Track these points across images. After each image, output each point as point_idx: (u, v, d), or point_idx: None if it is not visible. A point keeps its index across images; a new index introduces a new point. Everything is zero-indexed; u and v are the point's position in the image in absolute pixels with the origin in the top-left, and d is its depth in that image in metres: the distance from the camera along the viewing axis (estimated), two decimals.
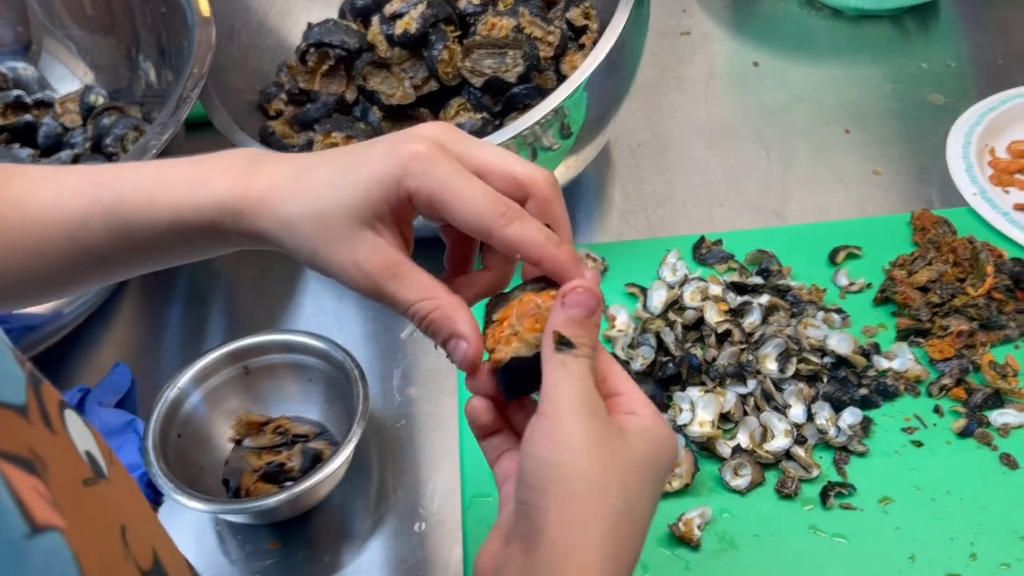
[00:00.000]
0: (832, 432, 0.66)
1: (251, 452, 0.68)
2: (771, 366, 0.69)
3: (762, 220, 0.84)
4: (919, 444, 0.67)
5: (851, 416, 0.67)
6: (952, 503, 0.63)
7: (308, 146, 0.78)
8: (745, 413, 0.68)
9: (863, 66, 0.98)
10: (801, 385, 0.69)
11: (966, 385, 0.69)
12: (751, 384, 0.69)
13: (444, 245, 0.48)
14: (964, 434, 0.67)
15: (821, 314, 0.73)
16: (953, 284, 0.74)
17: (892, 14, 1.03)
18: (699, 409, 0.67)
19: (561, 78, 0.77)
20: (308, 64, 0.81)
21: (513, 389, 0.43)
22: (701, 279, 0.76)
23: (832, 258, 0.78)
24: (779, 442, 0.66)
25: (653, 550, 0.62)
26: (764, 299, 0.73)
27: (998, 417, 0.67)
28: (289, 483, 0.63)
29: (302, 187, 0.43)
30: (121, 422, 0.69)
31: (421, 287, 0.43)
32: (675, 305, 0.75)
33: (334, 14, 0.87)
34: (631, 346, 0.72)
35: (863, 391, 0.69)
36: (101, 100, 0.87)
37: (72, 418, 0.31)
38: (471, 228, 0.42)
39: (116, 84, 0.90)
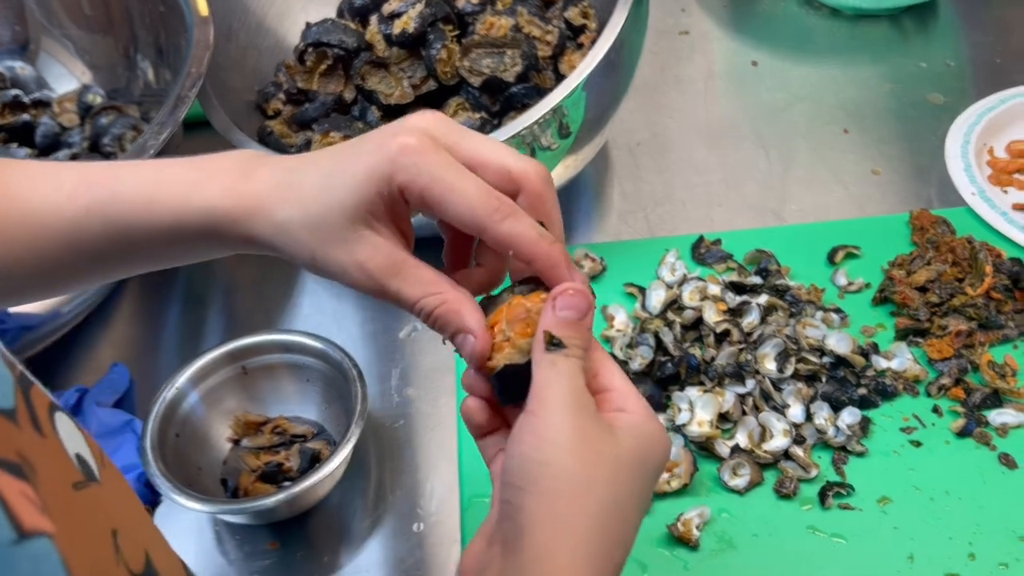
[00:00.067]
0: (831, 432, 0.66)
1: (249, 452, 0.68)
2: (770, 366, 0.69)
3: (761, 220, 0.84)
4: (918, 444, 0.67)
5: (850, 416, 0.67)
6: (951, 503, 0.63)
7: (306, 146, 0.78)
8: (744, 413, 0.68)
9: (862, 65, 0.98)
10: (800, 385, 0.69)
11: (965, 385, 0.69)
12: (750, 384, 0.69)
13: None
14: (963, 434, 0.67)
15: (820, 314, 0.73)
16: (952, 284, 0.74)
17: (891, 13, 1.03)
18: (698, 409, 0.67)
19: (560, 78, 0.77)
20: (306, 64, 0.81)
21: (507, 394, 0.43)
22: (700, 279, 0.76)
23: (831, 258, 0.78)
24: (778, 442, 0.66)
25: (652, 550, 0.62)
26: (763, 299, 0.73)
27: (997, 417, 0.67)
28: (287, 483, 0.63)
29: (295, 191, 0.42)
30: (119, 422, 0.69)
31: (425, 283, 0.42)
32: (674, 305, 0.75)
33: (332, 14, 0.87)
34: (630, 346, 0.72)
35: (862, 391, 0.69)
36: (99, 99, 0.87)
37: (63, 420, 0.30)
38: (463, 223, 0.41)
39: (114, 83, 0.90)
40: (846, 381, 0.69)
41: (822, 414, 0.67)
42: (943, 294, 0.73)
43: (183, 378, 0.67)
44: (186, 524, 0.67)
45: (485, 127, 0.75)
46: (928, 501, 0.63)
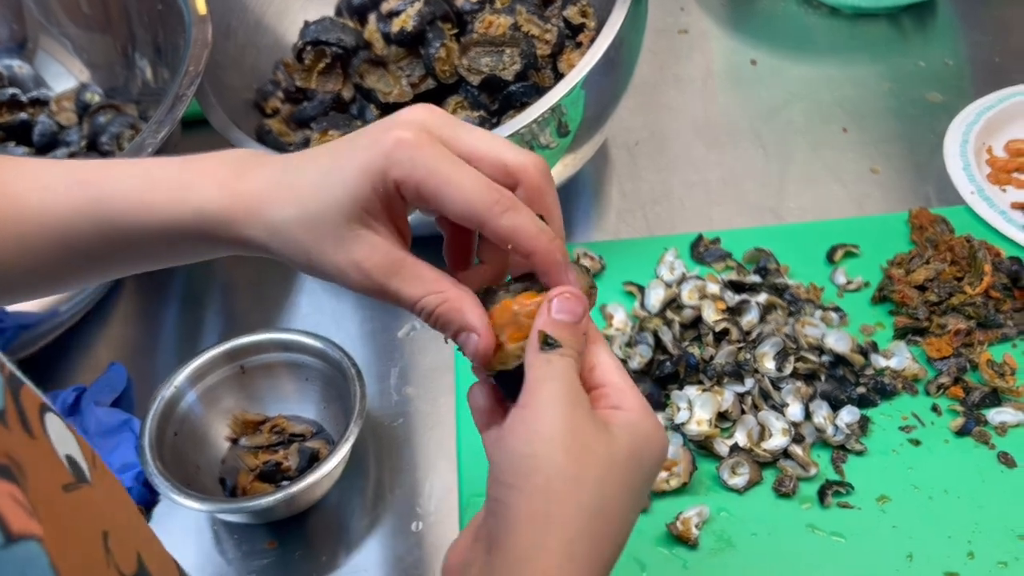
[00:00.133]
0: (830, 431, 0.66)
1: (247, 451, 0.68)
2: (769, 365, 0.69)
3: (760, 218, 0.84)
4: (917, 443, 0.66)
5: (849, 415, 0.67)
6: (950, 502, 0.63)
7: (305, 144, 0.78)
8: (743, 412, 0.68)
9: (861, 64, 0.98)
10: (799, 384, 0.69)
11: (964, 384, 0.69)
12: (749, 383, 0.69)
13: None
14: (962, 433, 0.66)
15: (819, 312, 0.73)
16: (951, 283, 0.74)
17: (890, 12, 1.03)
18: (697, 408, 0.67)
19: (558, 76, 0.77)
20: (305, 62, 0.81)
21: (507, 393, 0.42)
22: (699, 278, 0.76)
23: (830, 256, 0.78)
24: (777, 441, 0.66)
25: (650, 549, 0.62)
26: (762, 298, 0.73)
27: (996, 415, 0.67)
28: (286, 482, 0.63)
29: (289, 191, 0.41)
30: (117, 421, 0.69)
31: (425, 281, 0.41)
32: (673, 304, 0.75)
33: (331, 12, 0.87)
34: (628, 344, 0.72)
35: (861, 390, 0.69)
36: (97, 98, 0.87)
37: (53, 422, 0.30)
38: (463, 217, 0.40)
39: (112, 82, 0.90)
40: (845, 380, 0.69)
41: (821, 413, 0.67)
42: (942, 293, 0.73)
43: (181, 377, 0.67)
44: (184, 523, 0.67)
45: (484, 125, 0.75)
46: (927, 500, 0.63)
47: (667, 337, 0.71)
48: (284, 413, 0.70)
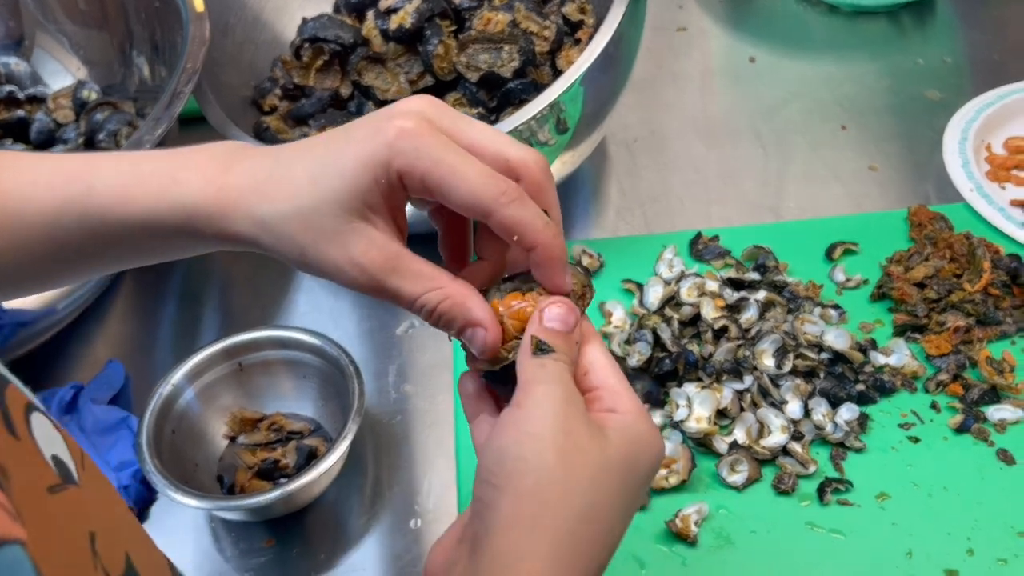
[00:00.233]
0: (829, 428, 0.66)
1: (245, 449, 0.68)
2: (768, 362, 0.69)
3: (759, 216, 0.84)
4: (916, 440, 0.66)
5: (848, 412, 0.67)
6: (949, 499, 0.63)
7: None
8: (742, 409, 0.68)
9: (859, 62, 0.98)
10: (798, 381, 0.68)
11: (963, 381, 0.69)
12: (748, 380, 0.69)
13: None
14: (961, 430, 0.66)
15: (818, 310, 0.73)
16: (950, 280, 0.74)
17: (888, 10, 1.03)
18: (696, 405, 0.67)
19: (557, 73, 0.77)
20: (303, 59, 0.81)
21: (500, 390, 0.42)
22: (698, 275, 0.75)
23: (829, 254, 0.78)
24: (776, 438, 0.66)
25: (650, 546, 0.62)
26: (761, 295, 0.73)
27: (995, 413, 0.67)
28: (284, 480, 0.63)
29: (281, 184, 0.40)
30: (115, 419, 0.69)
31: (425, 278, 0.40)
32: (671, 301, 0.74)
33: (329, 9, 0.87)
34: (627, 342, 0.72)
35: (860, 387, 0.69)
36: (94, 95, 0.87)
37: (39, 421, 0.29)
38: (468, 208, 0.39)
39: (109, 79, 0.90)
40: (844, 377, 0.69)
41: (820, 410, 0.67)
42: (941, 290, 0.73)
43: (179, 375, 0.66)
44: (182, 521, 0.67)
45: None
46: (926, 497, 0.63)
47: (666, 334, 0.71)
48: (282, 411, 0.70)
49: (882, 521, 0.62)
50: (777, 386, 0.69)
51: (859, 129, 0.91)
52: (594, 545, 0.37)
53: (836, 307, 0.73)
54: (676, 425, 0.67)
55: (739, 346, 0.70)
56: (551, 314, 0.40)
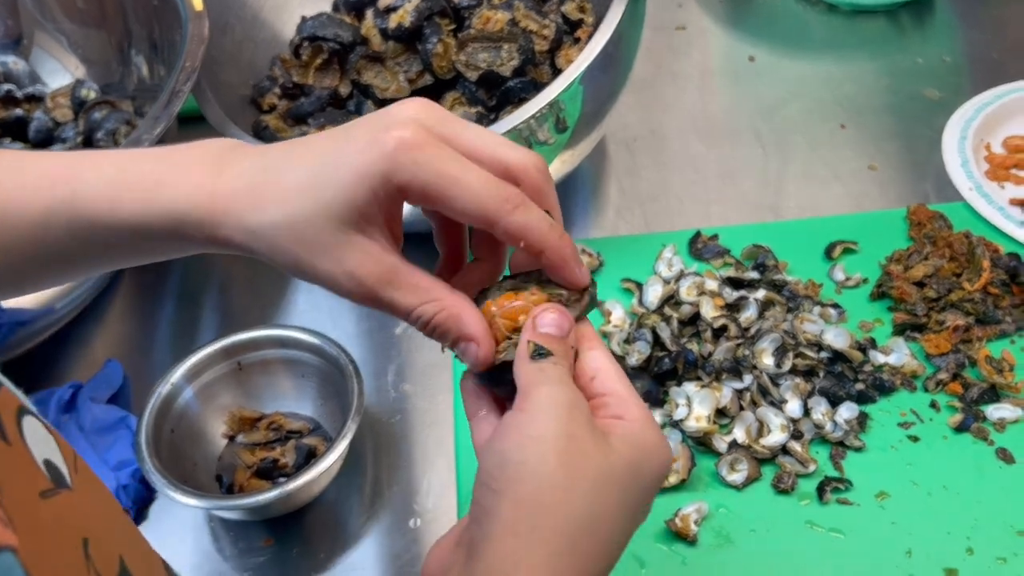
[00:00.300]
0: (828, 427, 0.66)
1: (244, 448, 0.68)
2: (767, 361, 0.69)
3: (758, 215, 0.84)
4: (915, 439, 0.66)
5: (847, 411, 0.67)
6: (948, 498, 0.63)
7: None
8: (741, 408, 0.68)
9: (859, 61, 0.98)
10: (797, 380, 0.68)
11: (962, 380, 0.69)
12: (747, 379, 0.69)
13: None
14: (960, 429, 0.66)
15: (817, 309, 0.73)
16: (949, 279, 0.74)
17: (888, 9, 1.03)
18: (695, 404, 0.67)
19: (556, 72, 0.77)
20: (302, 58, 0.81)
21: (499, 389, 0.42)
22: (697, 274, 0.75)
23: (828, 253, 0.78)
24: (775, 437, 0.66)
25: (649, 545, 0.62)
26: (760, 294, 0.73)
27: (994, 412, 0.67)
28: (283, 479, 0.63)
29: (272, 191, 0.39)
30: (113, 418, 0.69)
31: (421, 290, 0.39)
32: (671, 300, 0.74)
33: (328, 8, 0.86)
34: (627, 341, 0.72)
35: (859, 386, 0.69)
36: (92, 94, 0.87)
37: (31, 425, 0.29)
38: (471, 217, 0.38)
39: (108, 78, 0.89)
40: (844, 376, 0.69)
41: (820, 409, 0.67)
42: (940, 289, 0.73)
43: (178, 374, 0.66)
44: (181, 520, 0.67)
45: (482, 122, 0.75)
46: (926, 496, 0.63)
47: (665, 333, 0.71)
48: (281, 410, 0.69)
49: (882, 520, 0.62)
50: (776, 385, 0.69)
51: (858, 128, 0.91)
52: (593, 555, 0.36)
53: (835, 306, 0.73)
54: (676, 424, 0.67)
55: (738, 345, 0.70)
56: (545, 320, 0.40)
